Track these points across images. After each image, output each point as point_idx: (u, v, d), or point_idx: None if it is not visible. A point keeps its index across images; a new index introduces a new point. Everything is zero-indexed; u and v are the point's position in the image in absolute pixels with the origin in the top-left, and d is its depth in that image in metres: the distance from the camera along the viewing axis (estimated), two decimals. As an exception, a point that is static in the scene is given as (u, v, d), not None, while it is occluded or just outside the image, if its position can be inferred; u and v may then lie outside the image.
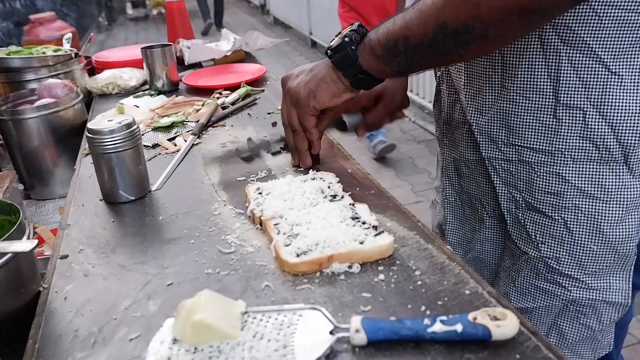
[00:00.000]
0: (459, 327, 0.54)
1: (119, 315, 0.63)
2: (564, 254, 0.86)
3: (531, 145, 0.83)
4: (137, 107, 1.37)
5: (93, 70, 1.71)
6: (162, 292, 0.67)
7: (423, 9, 0.71)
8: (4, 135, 1.29)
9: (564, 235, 0.85)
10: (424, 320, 0.55)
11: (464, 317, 0.55)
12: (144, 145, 1.12)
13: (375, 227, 0.72)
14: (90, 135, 0.87)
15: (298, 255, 0.68)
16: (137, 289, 0.68)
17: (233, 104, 1.33)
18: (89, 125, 0.88)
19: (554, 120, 0.79)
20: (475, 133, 0.88)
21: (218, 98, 1.37)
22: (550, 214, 0.84)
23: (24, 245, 0.65)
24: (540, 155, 0.82)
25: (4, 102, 1.35)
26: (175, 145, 1.11)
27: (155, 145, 1.12)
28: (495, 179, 0.89)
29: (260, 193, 0.84)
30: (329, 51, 0.83)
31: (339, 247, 0.68)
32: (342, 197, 0.81)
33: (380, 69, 0.79)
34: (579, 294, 0.87)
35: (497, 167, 0.88)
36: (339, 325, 0.57)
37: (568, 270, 0.86)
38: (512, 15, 0.65)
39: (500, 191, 0.89)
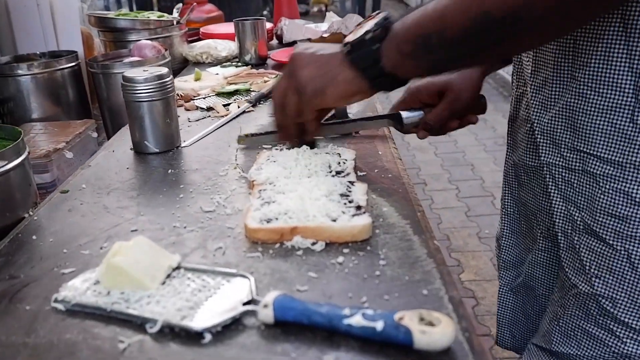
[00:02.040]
0: (379, 325, 0.44)
1: (69, 250, 0.63)
2: (623, 294, 0.67)
3: (599, 154, 0.66)
4: (218, 74, 1.39)
5: (199, 39, 1.77)
6: (122, 236, 0.65)
7: None
8: (96, 88, 1.38)
9: (625, 271, 0.66)
10: (344, 309, 0.46)
11: (391, 315, 0.45)
12: (200, 108, 1.13)
13: (358, 207, 0.63)
14: (123, 82, 0.89)
15: (261, 222, 0.62)
16: (103, 229, 0.67)
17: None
18: (125, 73, 0.89)
19: (632, 125, 0.62)
20: (536, 132, 0.73)
21: (293, 73, 1.34)
22: (611, 242, 0.66)
23: None
24: (609, 167, 0.65)
25: (103, 58, 1.45)
26: (228, 110, 1.10)
27: (209, 109, 1.12)
28: (553, 191, 0.72)
29: (269, 159, 0.79)
30: (346, 46, 0.69)
31: (306, 220, 0.61)
32: (347, 175, 0.73)
33: (407, 69, 0.67)
34: (636, 348, 0.68)
35: (557, 176, 0.71)
36: (256, 298, 0.50)
37: (625, 317, 0.67)
38: (564, 4, 0.53)
39: (556, 206, 0.72)
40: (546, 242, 0.79)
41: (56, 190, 0.79)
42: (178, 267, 0.56)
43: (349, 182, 0.70)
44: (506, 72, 4.83)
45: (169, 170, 0.83)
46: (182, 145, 0.93)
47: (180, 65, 1.58)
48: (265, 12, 10.89)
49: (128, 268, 0.53)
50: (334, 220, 0.61)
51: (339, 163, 0.76)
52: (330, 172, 0.74)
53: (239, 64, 1.51)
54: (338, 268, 0.56)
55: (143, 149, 0.91)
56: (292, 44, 1.71)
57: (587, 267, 0.69)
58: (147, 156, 0.90)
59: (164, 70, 0.89)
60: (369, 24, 0.68)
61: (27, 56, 1.42)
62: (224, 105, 1.13)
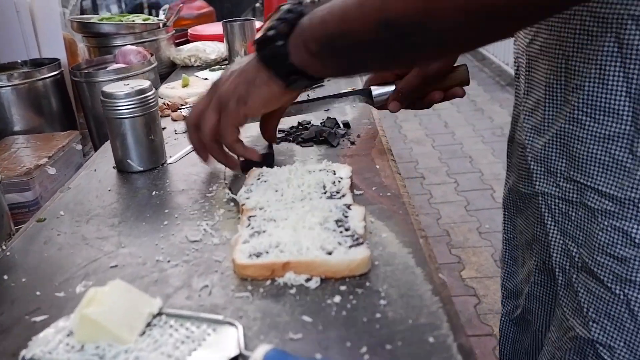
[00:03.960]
0: (381, 388, 0.39)
1: (43, 291, 0.57)
2: (621, 344, 0.60)
3: (596, 186, 0.59)
4: (207, 79, 1.33)
5: (187, 42, 1.71)
6: (100, 274, 0.60)
7: None
8: (80, 97, 1.33)
9: (624, 319, 0.60)
10: (342, 367, 0.41)
11: (394, 375, 0.40)
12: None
13: (356, 237, 0.58)
14: (102, 98, 0.83)
15: (250, 256, 0.57)
16: (80, 265, 0.62)
17: (298, 84, 1.24)
18: (103, 88, 0.84)
19: (631, 156, 0.56)
20: (529, 159, 0.67)
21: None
22: (609, 285, 0.60)
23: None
24: (607, 202, 0.59)
25: (87, 65, 1.40)
26: (217, 120, 1.05)
27: (197, 119, 1.07)
28: (549, 222, 0.66)
29: (259, 179, 0.74)
30: (255, 45, 0.66)
31: (299, 254, 0.56)
32: (343, 196, 0.68)
33: (316, 69, 0.63)
34: None
35: (554, 207, 0.65)
36: (245, 352, 0.45)
37: None
38: (473, 18, 0.48)
39: (553, 239, 0.66)
40: (542, 276, 0.73)
41: (32, 219, 0.74)
42: (159, 313, 0.51)
43: (345, 205, 0.65)
44: (502, 61, 4.77)
45: (153, 192, 0.78)
46: (168, 162, 0.88)
47: (168, 70, 1.53)
48: (257, 5, 10.79)
49: (103, 320, 0.48)
50: (330, 253, 0.56)
51: (334, 182, 0.71)
52: (325, 192, 0.69)
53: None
54: (335, 310, 0.51)
55: (126, 168, 0.86)
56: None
57: (585, 310, 0.63)
58: (131, 175, 0.85)
59: (146, 83, 0.84)
60: (274, 18, 0.64)
61: (8, 65, 1.36)
62: (213, 115, 1.08)
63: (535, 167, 0.66)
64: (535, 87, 0.65)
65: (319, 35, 0.59)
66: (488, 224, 2.59)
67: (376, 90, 0.83)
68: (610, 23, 0.54)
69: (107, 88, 0.83)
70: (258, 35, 0.65)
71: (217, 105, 0.70)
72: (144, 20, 1.49)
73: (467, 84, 0.82)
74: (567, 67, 0.59)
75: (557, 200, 0.65)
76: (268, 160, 0.81)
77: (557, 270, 0.67)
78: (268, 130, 0.81)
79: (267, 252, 0.57)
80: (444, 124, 3.84)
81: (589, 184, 0.60)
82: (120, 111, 0.82)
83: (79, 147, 1.21)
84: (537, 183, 0.66)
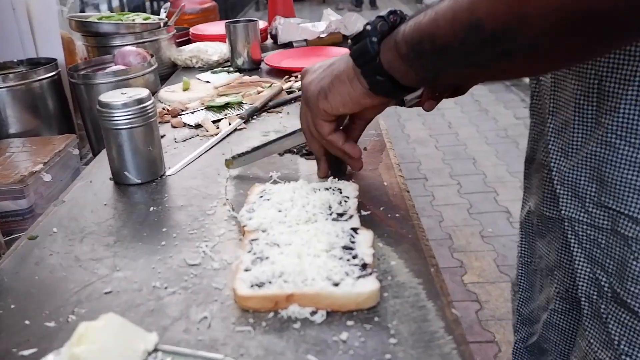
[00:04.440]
0: None
1: (32, 321, 0.54)
2: None
3: (631, 213, 0.56)
4: (209, 82, 1.30)
5: (189, 41, 1.68)
6: (94, 301, 0.57)
7: None
8: (78, 98, 1.29)
9: None
10: (351, 422, 0.38)
11: None
12: (188, 125, 1.05)
13: (364, 266, 0.55)
14: (99, 107, 0.80)
15: (252, 286, 0.54)
16: (73, 291, 0.58)
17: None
18: (100, 97, 0.80)
19: None
20: (555, 182, 0.64)
21: (288, 81, 1.25)
22: None
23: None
24: None
25: (85, 66, 1.36)
26: (218, 128, 1.02)
27: (197, 126, 1.04)
28: (575, 249, 0.63)
29: (262, 196, 0.71)
30: (349, 41, 0.65)
31: (304, 285, 0.53)
32: (350, 218, 0.65)
33: (402, 72, 0.59)
34: None
35: (581, 233, 0.62)
36: (246, 398, 0.42)
37: None
38: (572, 22, 0.42)
39: (580, 267, 0.63)
40: (563, 304, 0.70)
41: (23, 236, 0.70)
42: (155, 350, 0.48)
43: (353, 229, 0.62)
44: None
45: (151, 208, 0.75)
46: (167, 173, 0.85)
47: (169, 71, 1.49)
48: (260, -2, 10.65)
49: (94, 360, 0.44)
50: (336, 285, 0.53)
51: (340, 202, 0.68)
52: (331, 214, 0.65)
53: (231, 69, 1.42)
54: (342, 348, 0.48)
55: (123, 180, 0.82)
56: (288, 45, 1.62)
57: (616, 342, 0.60)
58: (128, 188, 0.82)
59: (144, 92, 0.81)
60: (378, 17, 0.62)
61: (4, 64, 1.32)
62: (214, 122, 1.04)
63: (562, 191, 0.63)
64: (562, 107, 0.62)
65: (410, 36, 0.57)
66: (491, 228, 2.56)
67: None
68: None
69: (104, 97, 0.80)
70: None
71: (303, 99, 0.71)
72: (145, 19, 1.45)
73: None
74: (600, 87, 0.56)
75: (585, 227, 0.61)
76: (343, 167, 0.80)
77: (582, 299, 0.63)
78: (350, 136, 0.74)
79: (270, 282, 0.54)
80: (447, 124, 3.81)
81: (622, 210, 0.57)
82: (117, 122, 0.79)
83: (76, 151, 1.18)
84: (564, 208, 0.63)
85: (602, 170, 0.58)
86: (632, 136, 0.54)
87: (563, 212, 0.63)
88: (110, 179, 0.85)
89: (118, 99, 0.79)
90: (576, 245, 0.63)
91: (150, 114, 0.81)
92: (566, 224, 0.63)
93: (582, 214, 0.61)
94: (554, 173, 0.64)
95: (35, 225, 0.73)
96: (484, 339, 1.95)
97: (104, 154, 0.95)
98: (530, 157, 0.74)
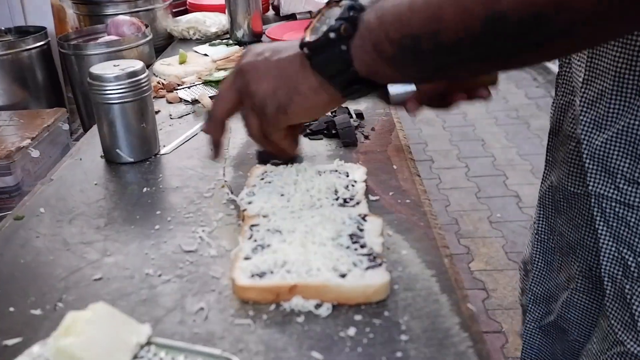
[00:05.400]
0: None
1: (17, 308, 0.51)
2: None
3: None
4: (207, 55, 1.25)
5: (186, 11, 1.61)
6: (82, 288, 0.53)
7: None
8: (68, 70, 1.24)
9: None
10: None
11: None
12: (184, 100, 1.00)
13: (373, 256, 0.51)
14: (89, 80, 0.75)
15: (252, 276, 0.50)
16: (60, 277, 0.55)
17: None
18: (91, 69, 0.75)
19: None
20: (585, 156, 0.60)
21: (289, 56, 1.19)
22: None
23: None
24: None
25: (76, 36, 1.30)
26: (216, 103, 0.97)
27: (194, 101, 0.99)
28: (601, 227, 0.60)
29: (263, 179, 0.67)
30: (304, 48, 0.55)
31: (308, 275, 0.49)
32: (358, 204, 0.61)
33: (388, 75, 0.53)
34: None
35: (609, 210, 0.59)
36: (246, 400, 0.39)
37: None
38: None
39: (605, 245, 0.60)
40: (586, 283, 0.67)
41: (9, 216, 0.66)
42: (148, 343, 0.45)
43: (360, 215, 0.58)
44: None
45: (144, 189, 0.71)
46: (161, 152, 0.80)
47: (164, 42, 1.43)
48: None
49: (83, 354, 0.41)
50: (343, 276, 0.49)
51: (347, 187, 0.64)
52: (337, 199, 0.62)
53: (230, 41, 1.36)
54: (349, 345, 0.44)
55: (115, 158, 0.78)
56: (291, 16, 1.56)
57: None
58: (120, 167, 0.77)
59: (138, 65, 0.76)
60: (330, 17, 0.54)
61: (-9, 32, 1.27)
62: (212, 97, 0.99)
63: (591, 165, 0.60)
64: (599, 76, 0.58)
65: (398, 35, 0.49)
66: (499, 213, 2.50)
67: (394, 89, 0.72)
68: None
69: (95, 69, 0.75)
70: (307, 36, 0.55)
71: (252, 109, 0.61)
72: (139, -12, 1.38)
73: (495, 84, 0.73)
74: None
75: (613, 204, 0.59)
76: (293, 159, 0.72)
77: (605, 278, 0.61)
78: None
79: (271, 272, 0.50)
80: (451, 107, 3.73)
81: None
82: (109, 96, 0.74)
83: (66, 126, 1.13)
84: (592, 183, 0.60)
85: (638, 145, 0.55)
86: None
87: (590, 187, 0.60)
88: (101, 156, 0.80)
89: (110, 72, 0.74)
90: (602, 223, 0.60)
91: (144, 88, 0.76)
92: (593, 200, 0.60)
93: (611, 190, 0.59)
94: (583, 146, 0.60)
95: (21, 205, 0.69)
96: (490, 329, 1.88)
97: (94, 130, 0.90)
98: (555, 129, 0.70)
